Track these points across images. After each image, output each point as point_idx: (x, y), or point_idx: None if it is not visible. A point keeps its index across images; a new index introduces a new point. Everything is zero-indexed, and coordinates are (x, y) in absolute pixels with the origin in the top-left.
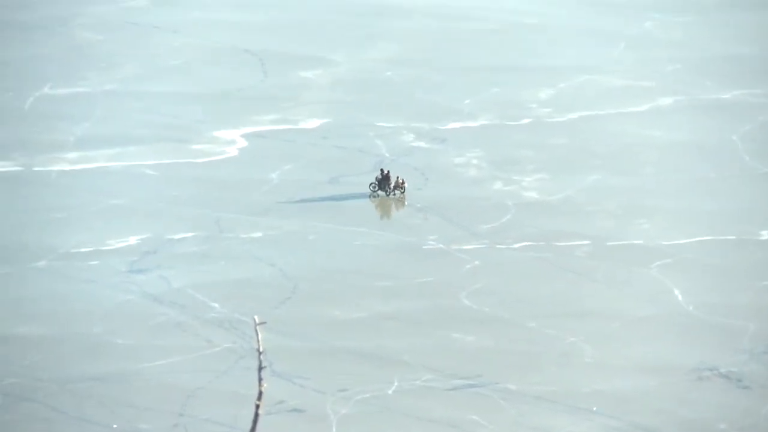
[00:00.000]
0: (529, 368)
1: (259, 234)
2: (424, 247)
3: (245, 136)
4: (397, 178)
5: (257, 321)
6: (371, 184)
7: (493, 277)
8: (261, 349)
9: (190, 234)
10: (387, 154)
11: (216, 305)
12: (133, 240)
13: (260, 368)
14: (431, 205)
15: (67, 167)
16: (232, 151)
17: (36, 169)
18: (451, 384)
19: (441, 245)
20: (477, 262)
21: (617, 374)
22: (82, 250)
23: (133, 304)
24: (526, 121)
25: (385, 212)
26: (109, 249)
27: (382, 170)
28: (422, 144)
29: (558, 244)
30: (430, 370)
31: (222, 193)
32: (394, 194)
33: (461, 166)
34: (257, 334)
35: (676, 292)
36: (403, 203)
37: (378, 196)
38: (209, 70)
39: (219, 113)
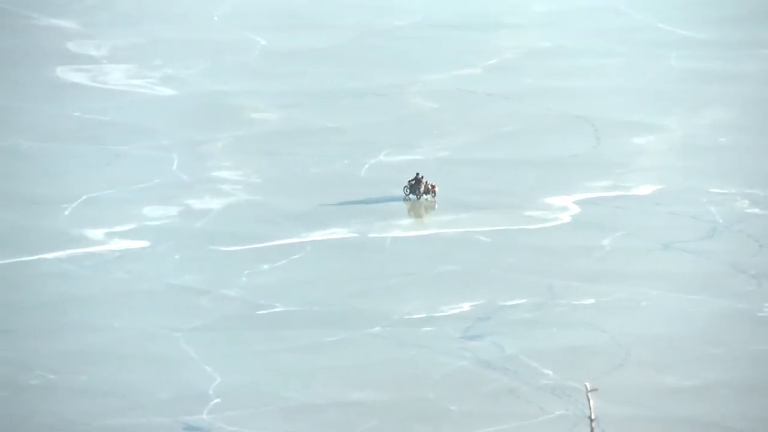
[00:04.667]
0: None
1: (590, 300)
2: (758, 314)
3: (577, 202)
4: (427, 182)
5: (589, 388)
6: (405, 187)
7: None
8: (593, 417)
9: (522, 300)
10: (720, 220)
11: (548, 372)
12: (466, 306)
13: None
14: (766, 272)
15: (400, 234)
16: (565, 218)
17: (371, 235)
18: None
19: None
20: None
21: None
22: (416, 316)
23: (466, 370)
24: None
25: (717, 279)
26: (443, 315)
27: (417, 174)
28: (757, 210)
29: None
30: None
31: (554, 260)
32: (426, 198)
33: None
34: (589, 401)
35: None
36: (434, 206)
37: (410, 199)
38: (541, 137)
39: (551, 179)
